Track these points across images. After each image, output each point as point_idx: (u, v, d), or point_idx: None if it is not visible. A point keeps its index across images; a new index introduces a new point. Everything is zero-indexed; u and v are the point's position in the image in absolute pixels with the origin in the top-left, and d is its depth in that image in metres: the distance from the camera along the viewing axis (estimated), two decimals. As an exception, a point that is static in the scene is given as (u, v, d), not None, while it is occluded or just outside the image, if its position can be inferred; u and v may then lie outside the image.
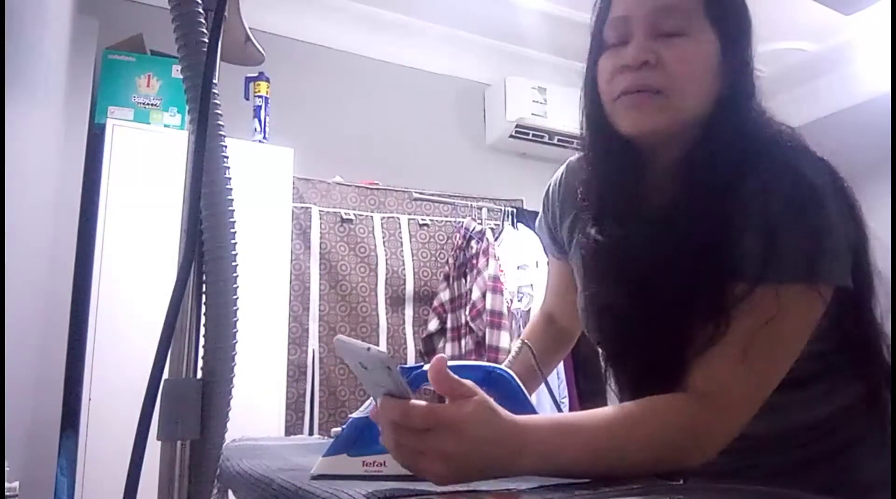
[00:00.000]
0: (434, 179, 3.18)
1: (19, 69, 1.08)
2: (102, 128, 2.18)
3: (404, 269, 2.95)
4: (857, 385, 0.78)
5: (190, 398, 0.64)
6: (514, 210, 3.14)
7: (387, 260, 2.92)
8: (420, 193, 3.07)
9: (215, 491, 0.78)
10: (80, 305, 2.06)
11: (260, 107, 2.52)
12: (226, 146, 0.67)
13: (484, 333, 2.74)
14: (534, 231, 2.95)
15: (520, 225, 3.10)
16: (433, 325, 2.89)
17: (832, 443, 0.78)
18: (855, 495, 0.76)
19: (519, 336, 1.13)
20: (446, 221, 3.09)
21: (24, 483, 1.30)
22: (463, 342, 2.82)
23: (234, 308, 0.66)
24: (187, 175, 0.67)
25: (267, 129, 2.52)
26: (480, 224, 3.04)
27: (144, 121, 2.29)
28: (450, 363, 0.78)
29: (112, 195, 2.12)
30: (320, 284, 2.77)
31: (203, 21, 0.66)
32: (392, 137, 3.23)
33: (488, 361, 2.68)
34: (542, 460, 0.59)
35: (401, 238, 2.98)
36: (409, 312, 2.93)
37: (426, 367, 0.68)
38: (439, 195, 3.12)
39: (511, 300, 2.84)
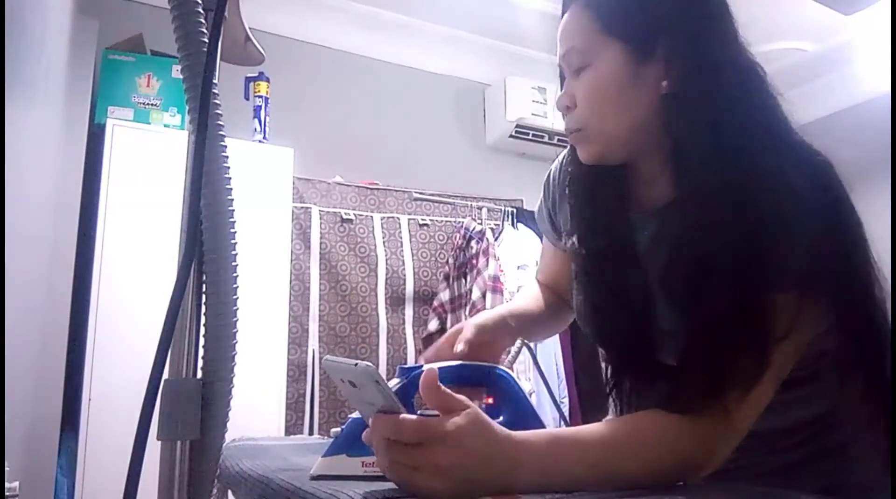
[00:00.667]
0: (434, 179, 3.18)
1: (19, 69, 1.08)
2: (102, 128, 2.18)
3: (404, 269, 2.95)
4: (851, 385, 0.77)
5: (190, 398, 0.64)
6: (514, 210, 3.14)
7: (387, 260, 2.92)
8: (420, 193, 3.07)
9: (215, 491, 0.78)
10: (80, 305, 2.06)
11: (260, 107, 2.52)
12: (226, 146, 0.67)
13: (484, 333, 2.73)
14: (534, 231, 2.96)
15: (520, 225, 3.10)
16: (433, 325, 2.89)
17: (828, 441, 0.77)
18: (850, 495, 0.75)
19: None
20: (446, 221, 3.09)
21: (24, 483, 1.30)
22: (463, 342, 2.82)
23: (234, 308, 0.66)
24: (187, 175, 0.67)
25: (267, 129, 2.52)
26: (480, 224, 3.04)
27: (144, 121, 2.29)
28: (450, 363, 0.78)
29: (112, 195, 2.12)
30: (320, 284, 2.77)
31: (203, 21, 0.65)
32: (392, 137, 3.23)
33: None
34: (540, 474, 0.58)
35: (401, 238, 2.98)
36: (409, 312, 2.93)
37: (426, 367, 0.68)
38: (439, 195, 3.12)
39: (511, 300, 2.84)
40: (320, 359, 2.69)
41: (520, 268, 2.94)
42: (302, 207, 2.78)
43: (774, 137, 0.71)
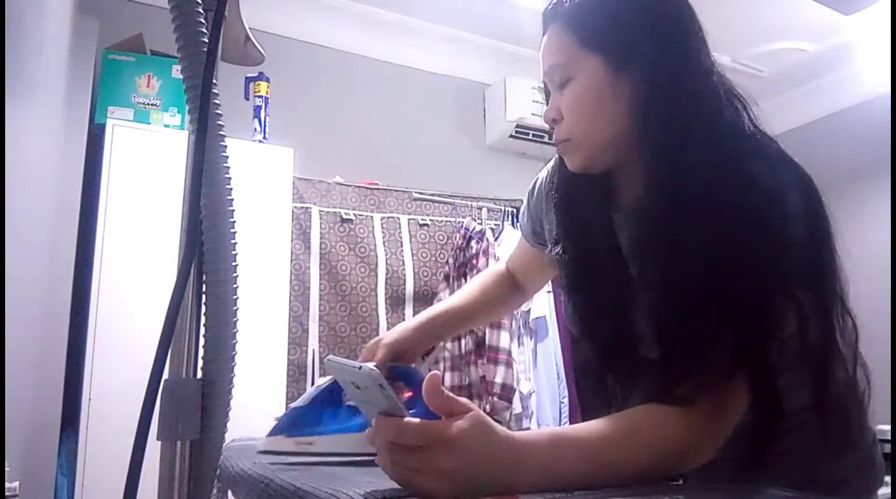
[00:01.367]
0: (434, 179, 3.18)
1: (20, 69, 1.08)
2: (102, 128, 2.18)
3: (404, 269, 2.95)
4: (828, 379, 0.79)
5: (190, 398, 0.64)
6: (514, 210, 3.14)
7: (387, 260, 2.92)
8: (420, 193, 3.07)
9: (215, 491, 0.79)
10: (80, 305, 2.06)
11: (260, 107, 2.52)
12: (226, 146, 0.67)
13: (484, 333, 2.74)
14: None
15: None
16: (433, 325, 2.89)
17: (805, 434, 0.78)
18: (825, 488, 0.79)
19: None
20: (446, 221, 3.09)
21: (24, 483, 1.30)
22: (463, 342, 2.82)
23: (234, 308, 0.66)
24: (187, 175, 0.67)
25: (267, 129, 2.52)
26: (480, 224, 3.04)
27: (144, 121, 2.29)
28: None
29: (112, 195, 2.12)
30: (320, 284, 2.77)
31: (203, 21, 0.65)
32: (392, 137, 3.23)
33: (488, 361, 2.69)
34: (540, 474, 0.59)
35: (401, 238, 2.98)
36: (409, 312, 2.93)
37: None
38: (439, 195, 3.12)
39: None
40: (320, 359, 2.69)
41: (520, 268, 2.94)
42: (302, 207, 2.78)
43: (739, 139, 0.76)
